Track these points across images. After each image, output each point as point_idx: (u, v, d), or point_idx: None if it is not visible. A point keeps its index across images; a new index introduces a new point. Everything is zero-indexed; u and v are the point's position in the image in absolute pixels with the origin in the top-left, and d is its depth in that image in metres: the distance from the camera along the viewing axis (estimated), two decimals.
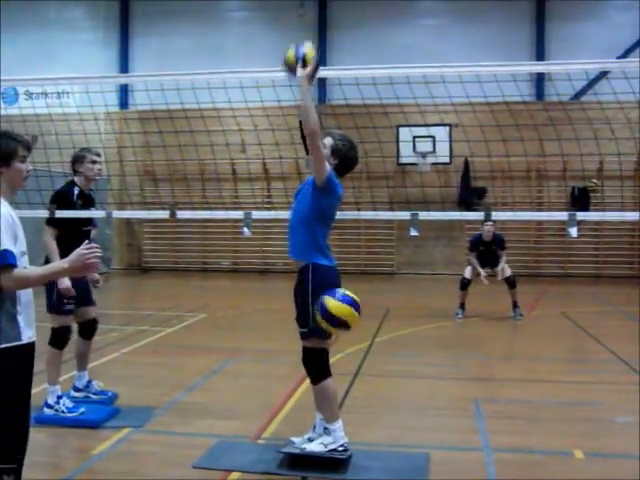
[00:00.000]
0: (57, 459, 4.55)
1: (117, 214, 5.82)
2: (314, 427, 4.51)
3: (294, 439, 4.54)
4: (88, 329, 5.80)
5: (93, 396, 5.80)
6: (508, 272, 10.65)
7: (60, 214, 5.47)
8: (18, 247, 3.01)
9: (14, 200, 3.17)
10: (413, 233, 5.21)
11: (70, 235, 5.41)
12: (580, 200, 16.75)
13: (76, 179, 5.70)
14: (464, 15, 18.15)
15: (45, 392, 5.34)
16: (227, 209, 15.78)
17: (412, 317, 10.86)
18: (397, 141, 16.53)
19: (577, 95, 16.33)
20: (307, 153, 4.42)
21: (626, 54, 16.87)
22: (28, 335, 3.03)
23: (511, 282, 10.61)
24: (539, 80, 17.63)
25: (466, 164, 16.98)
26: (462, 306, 10.70)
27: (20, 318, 3.01)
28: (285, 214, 4.83)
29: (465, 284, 10.70)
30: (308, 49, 4.32)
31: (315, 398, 4.45)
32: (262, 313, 11.37)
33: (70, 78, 7.11)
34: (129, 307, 12.20)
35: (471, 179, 17.08)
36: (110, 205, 16.02)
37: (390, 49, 17.33)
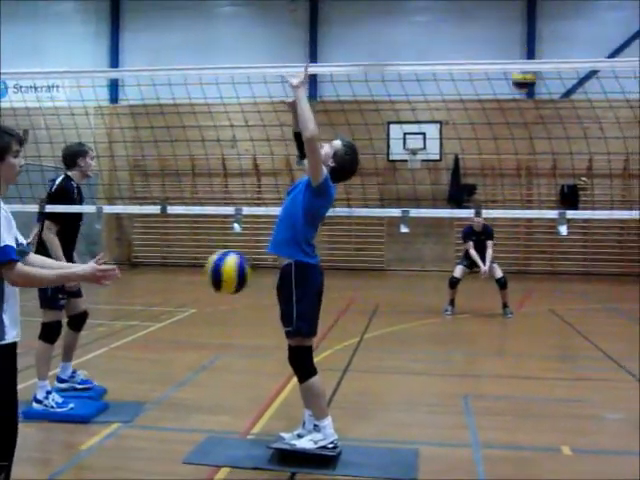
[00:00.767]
0: (46, 454, 4.54)
1: (108, 209, 5.82)
2: (303, 423, 4.52)
3: (284, 435, 4.55)
4: (79, 321, 5.79)
5: (78, 386, 5.80)
6: (499, 273, 10.64)
7: (50, 209, 5.45)
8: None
9: (5, 195, 3.15)
10: (403, 230, 5.23)
11: (67, 230, 5.45)
12: (569, 198, 16.82)
13: (71, 173, 5.66)
14: (455, 13, 18.18)
15: (33, 387, 5.32)
16: (218, 204, 15.78)
17: (402, 313, 10.88)
18: (387, 138, 16.55)
19: (567, 93, 16.40)
20: (299, 152, 4.44)
21: (616, 53, 16.94)
22: (12, 335, 2.98)
23: (502, 283, 10.61)
24: None
25: (456, 161, 17.02)
26: (452, 302, 10.73)
27: (5, 317, 2.96)
28: (276, 210, 4.84)
29: (454, 283, 10.72)
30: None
31: (303, 396, 4.46)
32: (252, 309, 11.35)
33: (62, 72, 7.07)
34: (118, 302, 12.16)
35: (461, 176, 17.13)
36: (100, 200, 15.97)
37: (382, 46, 17.31)
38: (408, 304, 12.09)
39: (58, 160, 11.28)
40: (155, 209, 5.73)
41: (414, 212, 5.31)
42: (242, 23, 19.11)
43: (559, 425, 5.26)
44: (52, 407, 5.23)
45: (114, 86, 19.05)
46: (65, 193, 5.55)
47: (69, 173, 5.66)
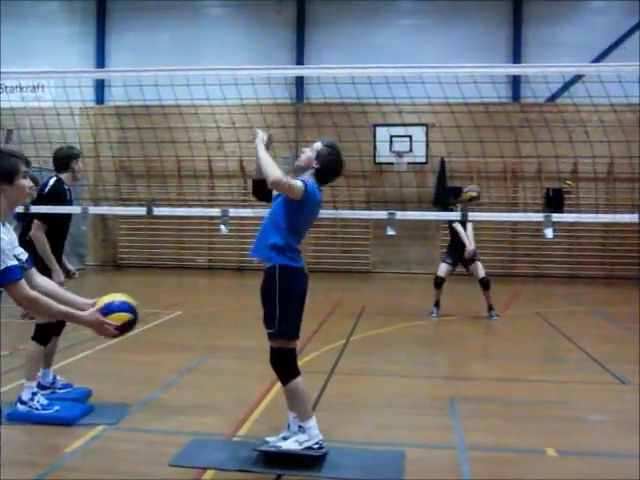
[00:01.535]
0: (30, 457, 4.50)
1: (93, 210, 5.81)
2: (288, 426, 4.52)
3: (269, 439, 4.54)
4: (59, 326, 5.75)
5: (59, 391, 5.77)
6: (482, 273, 10.65)
7: (35, 209, 5.45)
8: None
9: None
10: (390, 232, 5.24)
11: (56, 231, 5.47)
12: (555, 201, 16.93)
13: (62, 176, 5.67)
14: (442, 16, 18.26)
15: (18, 390, 5.28)
16: (204, 206, 15.75)
17: (387, 316, 10.89)
18: (374, 140, 16.58)
19: (553, 97, 16.51)
20: (255, 196, 4.63)
21: (600, 57, 17.07)
22: None
23: (485, 284, 10.63)
24: (515, 82, 17.78)
25: (442, 164, 17.08)
26: (437, 304, 10.74)
27: None
28: (262, 212, 4.83)
29: (439, 283, 10.74)
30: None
31: (287, 398, 4.46)
32: (238, 311, 11.34)
33: (48, 72, 7.04)
34: None
35: (447, 179, 17.19)
36: (86, 201, 15.90)
37: (368, 48, 17.36)
38: (394, 306, 12.11)
39: (42, 160, 11.22)
40: (141, 210, 5.71)
41: (400, 214, 5.32)
42: (229, 24, 19.09)
43: (544, 427, 5.29)
44: (37, 409, 5.19)
45: (100, 87, 18.98)
46: (58, 195, 5.58)
47: (62, 176, 5.67)
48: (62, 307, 3.17)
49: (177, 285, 15.87)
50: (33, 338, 5.38)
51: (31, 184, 3.17)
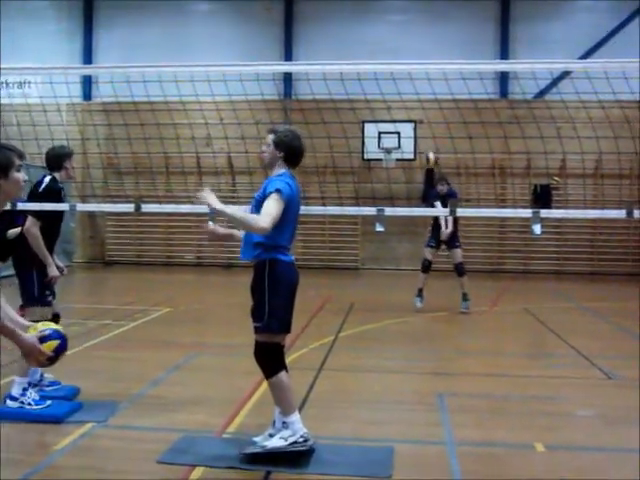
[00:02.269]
0: (18, 455, 4.47)
1: (81, 207, 5.77)
2: (274, 422, 4.52)
3: (256, 439, 4.53)
4: (55, 322, 5.71)
5: (47, 388, 5.76)
6: (458, 258, 10.74)
7: (21, 206, 5.45)
8: None
9: None
10: (379, 229, 5.24)
11: (49, 229, 5.52)
12: (542, 197, 16.99)
13: (57, 175, 5.69)
14: (430, 13, 18.28)
15: (2, 388, 5.26)
16: (192, 203, 15.70)
17: (376, 312, 10.91)
18: (362, 137, 16.58)
19: (541, 93, 16.56)
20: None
21: (588, 54, 17.14)
22: None
23: (460, 269, 10.71)
24: (503, 78, 17.83)
25: (428, 161, 17.08)
26: (420, 293, 10.81)
27: None
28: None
29: (427, 266, 10.83)
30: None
31: (271, 392, 4.46)
32: (226, 307, 11.32)
33: (35, 68, 7.00)
34: (92, 301, 12.07)
35: (435, 175, 17.20)
36: (74, 198, 15.82)
37: (357, 44, 17.34)
38: (383, 303, 12.12)
39: (29, 157, 11.14)
40: (129, 207, 5.69)
41: (389, 211, 5.33)
42: (217, 21, 19.03)
43: (533, 422, 5.31)
44: (29, 404, 5.17)
45: (87, 83, 18.88)
46: (53, 193, 5.61)
47: (56, 175, 5.68)
48: (8, 323, 3.10)
49: (166, 282, 15.82)
50: None
51: (25, 177, 3.16)
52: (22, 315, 4.68)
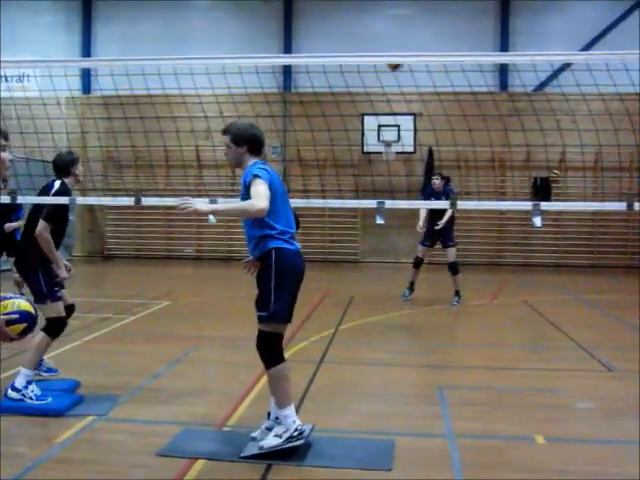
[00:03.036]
0: (19, 448, 4.48)
1: (81, 200, 5.76)
2: (268, 414, 4.53)
3: (254, 434, 4.53)
4: (68, 313, 5.80)
5: (44, 374, 5.83)
6: (452, 258, 10.76)
7: (21, 200, 5.48)
8: None
9: None
10: (379, 221, 5.22)
11: (57, 230, 5.55)
12: (542, 190, 16.98)
13: (67, 181, 5.70)
14: (430, 5, 18.23)
15: (2, 382, 5.27)
16: (192, 196, 15.67)
17: (376, 305, 10.92)
18: (362, 129, 16.55)
19: (541, 85, 16.53)
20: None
21: (588, 47, 17.11)
22: None
23: (453, 268, 10.75)
24: (502, 71, 17.80)
25: (430, 153, 17.08)
26: (411, 287, 10.90)
27: None
28: None
29: (418, 263, 10.93)
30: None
31: (269, 383, 4.47)
32: (226, 301, 11.34)
33: (34, 61, 6.98)
34: (91, 295, 12.05)
35: (435, 168, 17.18)
36: (73, 191, 15.79)
37: (356, 37, 17.31)
38: (383, 296, 12.13)
39: (29, 151, 11.13)
40: (129, 200, 5.67)
41: (390, 203, 5.31)
42: (216, 13, 18.99)
43: (533, 415, 5.32)
44: (30, 398, 5.18)
45: (87, 76, 18.85)
46: (65, 196, 5.62)
47: (66, 180, 5.69)
48: None
49: (165, 275, 15.82)
50: (44, 330, 5.40)
51: (10, 157, 3.17)
52: None
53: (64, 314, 5.60)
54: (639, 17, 17.17)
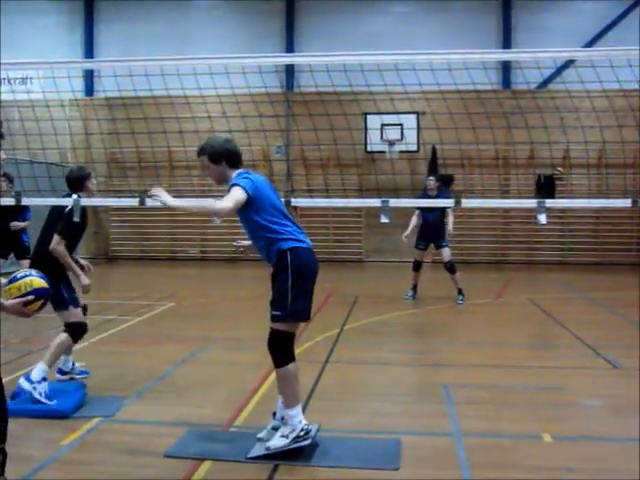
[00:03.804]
0: (26, 450, 4.48)
1: (85, 202, 5.77)
2: (274, 414, 4.53)
3: (260, 435, 4.53)
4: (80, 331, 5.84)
5: (77, 377, 6.04)
6: (446, 257, 10.77)
7: (27, 201, 5.53)
8: None
9: None
10: (384, 220, 5.22)
11: (73, 241, 5.76)
12: (546, 188, 16.94)
13: (81, 195, 5.81)
14: (432, 3, 18.20)
15: (9, 384, 5.27)
16: (196, 197, 15.69)
17: (381, 304, 10.91)
18: (365, 129, 16.54)
19: (544, 83, 16.49)
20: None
21: (591, 43, 17.07)
22: None
23: (449, 268, 10.77)
24: (505, 68, 17.76)
25: (433, 151, 17.06)
26: (414, 288, 11.00)
27: None
28: None
29: (417, 266, 11.05)
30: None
31: (278, 381, 4.47)
32: (231, 301, 11.34)
33: (37, 63, 6.99)
34: (96, 296, 11.97)
35: (439, 166, 17.16)
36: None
37: (358, 35, 17.31)
38: (387, 295, 12.11)
39: (33, 153, 11.13)
40: (134, 201, 5.68)
41: (394, 202, 5.30)
42: (218, 13, 18.99)
43: (539, 413, 5.31)
44: (40, 394, 5.22)
45: (90, 78, 18.86)
46: (81, 213, 5.73)
47: (81, 195, 5.81)
48: None
49: (170, 276, 15.83)
50: (66, 332, 5.56)
51: (4, 156, 3.19)
52: None
53: (84, 319, 5.73)
54: None
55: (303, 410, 4.57)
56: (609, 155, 16.40)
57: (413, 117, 16.38)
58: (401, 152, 16.77)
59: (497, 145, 15.37)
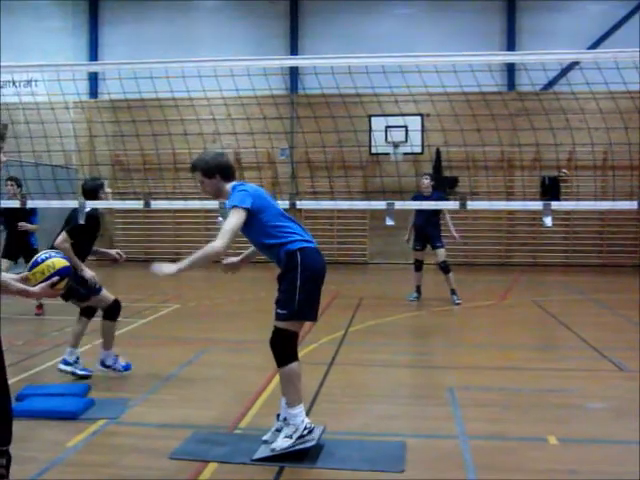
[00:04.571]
0: (31, 451, 4.49)
1: (90, 204, 5.79)
2: (277, 416, 4.52)
3: (265, 437, 4.53)
4: (114, 311, 6.42)
5: (121, 370, 6.34)
6: (441, 257, 10.78)
7: (32, 204, 5.61)
8: None
9: None
10: (389, 222, 5.22)
11: (84, 242, 6.30)
12: (551, 190, 16.92)
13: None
14: (437, 5, 18.20)
15: (14, 386, 5.28)
16: (201, 199, 15.69)
17: (385, 306, 10.90)
18: (370, 130, 16.54)
19: (550, 84, 16.47)
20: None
21: (596, 45, 17.04)
22: None
23: (443, 268, 10.78)
24: (510, 70, 17.76)
25: (438, 154, 17.05)
26: (418, 289, 11.06)
27: None
28: None
29: (418, 266, 11.09)
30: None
31: (281, 381, 4.47)
32: (235, 303, 11.34)
33: (41, 65, 7.00)
34: None
35: (443, 169, 17.16)
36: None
37: (362, 38, 17.32)
38: (392, 297, 12.11)
39: (38, 155, 11.14)
40: (138, 204, 5.71)
41: (399, 204, 5.31)
42: (223, 16, 19.03)
43: (545, 415, 5.29)
44: (80, 370, 6.13)
45: (94, 80, 18.90)
46: (93, 220, 6.34)
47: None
48: (19, 285, 3.48)
49: (174, 278, 15.77)
50: (104, 317, 6.30)
51: (4, 158, 3.20)
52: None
53: (112, 297, 6.32)
54: None
55: (308, 412, 4.57)
56: (615, 157, 16.36)
57: (418, 119, 16.37)
58: (405, 154, 16.76)
59: (502, 147, 15.34)
